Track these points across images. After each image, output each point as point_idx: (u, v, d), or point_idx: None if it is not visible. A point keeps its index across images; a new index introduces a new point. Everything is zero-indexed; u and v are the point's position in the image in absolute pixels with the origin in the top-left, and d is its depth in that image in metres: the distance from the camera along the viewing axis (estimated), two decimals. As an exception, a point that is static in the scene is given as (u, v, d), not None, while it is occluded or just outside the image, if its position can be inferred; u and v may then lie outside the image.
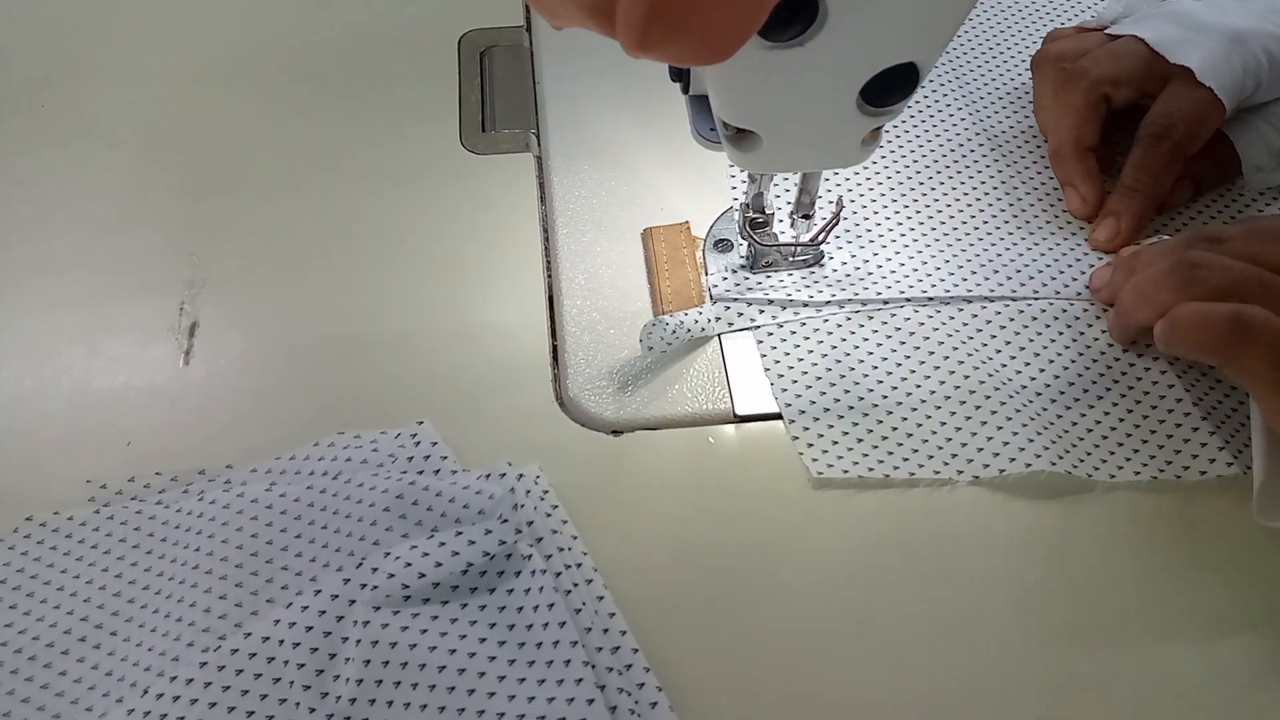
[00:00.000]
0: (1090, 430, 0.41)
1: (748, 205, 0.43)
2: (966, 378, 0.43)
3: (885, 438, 0.41)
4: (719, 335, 0.44)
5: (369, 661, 0.34)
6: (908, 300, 0.45)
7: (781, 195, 0.49)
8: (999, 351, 0.44)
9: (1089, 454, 0.41)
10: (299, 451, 0.40)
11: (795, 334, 0.44)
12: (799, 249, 0.45)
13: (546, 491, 0.38)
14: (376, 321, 0.45)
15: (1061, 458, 0.40)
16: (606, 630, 0.35)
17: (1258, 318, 0.36)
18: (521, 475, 0.38)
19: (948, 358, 0.44)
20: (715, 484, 0.40)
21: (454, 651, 0.34)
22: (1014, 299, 0.45)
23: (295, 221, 0.50)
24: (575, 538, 0.37)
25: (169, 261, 0.48)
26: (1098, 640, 0.36)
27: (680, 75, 0.38)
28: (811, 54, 0.31)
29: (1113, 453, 0.41)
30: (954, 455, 0.41)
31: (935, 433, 0.41)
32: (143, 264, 0.48)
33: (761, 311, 0.45)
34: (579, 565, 0.36)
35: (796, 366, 0.43)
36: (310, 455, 0.40)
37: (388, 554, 0.36)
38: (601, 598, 0.35)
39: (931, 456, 0.41)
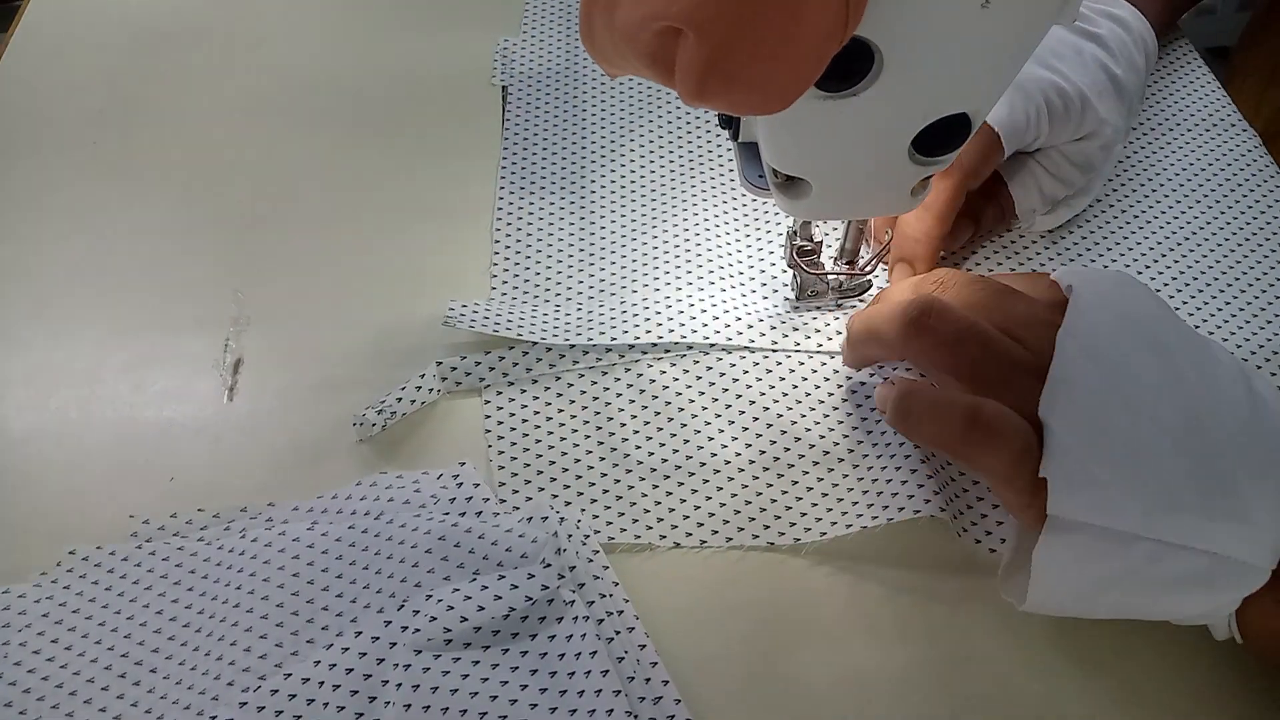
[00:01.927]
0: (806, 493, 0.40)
1: (795, 234, 0.43)
2: (687, 441, 0.42)
3: (658, 503, 0.40)
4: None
5: (409, 705, 0.33)
6: (630, 346, 0.44)
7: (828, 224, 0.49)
8: (709, 409, 0.43)
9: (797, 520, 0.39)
10: (341, 491, 0.40)
11: (540, 395, 0.43)
12: (846, 278, 0.45)
13: (588, 536, 0.38)
14: (420, 361, 0.45)
15: (768, 526, 0.39)
16: (649, 680, 0.34)
17: (994, 415, 0.34)
18: (564, 519, 0.38)
19: (695, 416, 0.42)
20: (757, 531, 0.40)
21: (495, 697, 0.33)
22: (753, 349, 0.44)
23: (340, 259, 0.50)
24: (616, 584, 0.37)
25: (215, 297, 0.48)
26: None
27: (729, 122, 0.39)
28: (865, 105, 0.31)
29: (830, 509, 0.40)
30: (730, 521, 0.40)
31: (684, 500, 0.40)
32: (189, 299, 0.49)
33: (492, 370, 0.44)
34: (620, 613, 0.36)
35: (551, 428, 0.42)
36: (353, 495, 0.40)
37: (429, 596, 0.36)
38: (643, 646, 0.35)
39: (701, 524, 0.39)
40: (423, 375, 0.43)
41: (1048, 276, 0.38)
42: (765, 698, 0.36)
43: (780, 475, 0.41)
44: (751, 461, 0.41)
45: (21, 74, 0.60)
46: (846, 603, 0.38)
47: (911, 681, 0.36)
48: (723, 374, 0.44)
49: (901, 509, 0.38)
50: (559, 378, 0.44)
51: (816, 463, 0.41)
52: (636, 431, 0.42)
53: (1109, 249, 0.49)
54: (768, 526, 0.39)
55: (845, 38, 0.27)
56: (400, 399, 0.43)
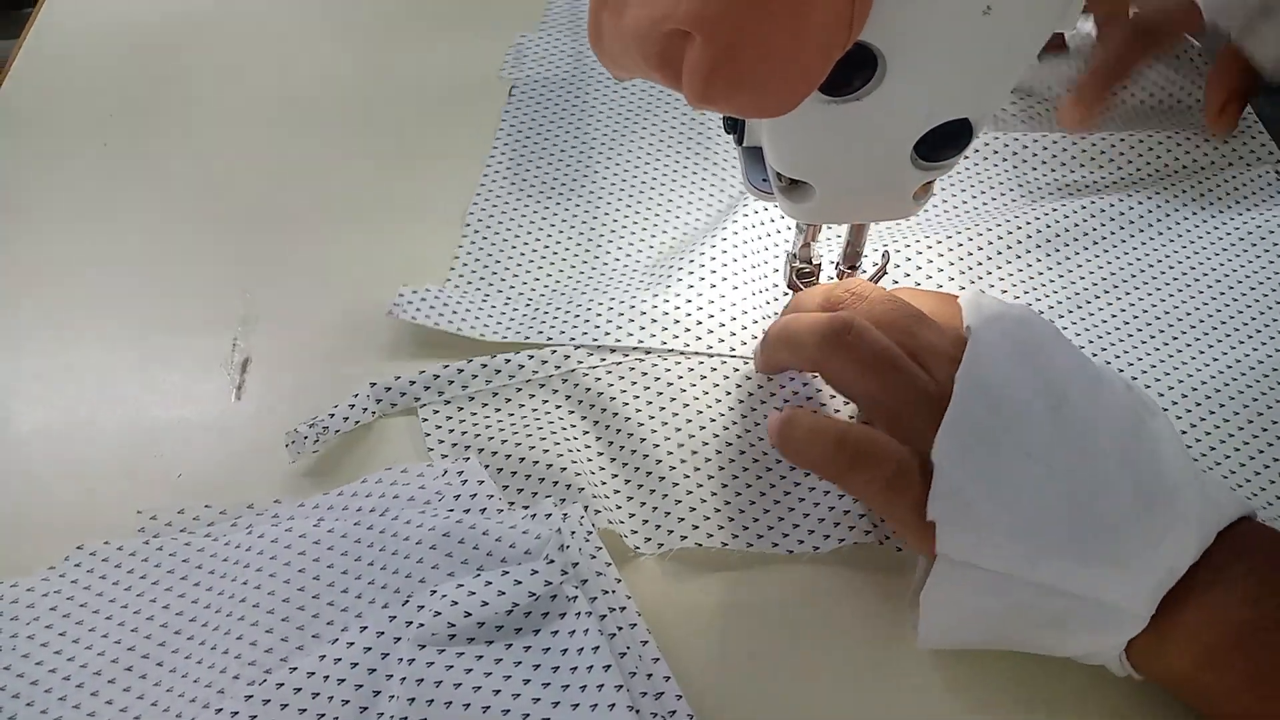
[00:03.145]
0: (753, 502, 0.40)
1: (794, 256, 0.44)
2: (623, 447, 0.42)
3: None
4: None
5: (413, 699, 0.34)
6: (566, 356, 0.44)
7: (830, 242, 0.49)
8: (643, 411, 0.43)
9: (771, 528, 0.39)
10: (347, 488, 0.41)
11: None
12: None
13: (591, 532, 0.38)
14: (424, 360, 0.46)
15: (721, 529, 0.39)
16: (650, 676, 0.35)
17: (862, 443, 0.35)
18: (567, 515, 0.38)
19: (629, 419, 0.42)
20: (759, 532, 0.40)
21: (498, 692, 0.34)
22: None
23: (347, 260, 0.51)
24: (620, 580, 0.37)
25: (224, 297, 0.49)
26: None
27: (734, 127, 0.39)
28: (868, 109, 0.31)
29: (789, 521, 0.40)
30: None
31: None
32: (198, 299, 0.49)
33: (426, 389, 0.44)
34: (623, 609, 0.36)
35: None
36: (358, 492, 0.40)
37: (434, 592, 0.36)
38: (646, 642, 0.35)
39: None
40: (355, 396, 0.43)
41: (956, 300, 0.39)
42: (767, 695, 0.36)
43: (711, 477, 0.41)
44: (688, 462, 0.41)
45: (34, 78, 0.61)
46: (848, 601, 0.38)
47: (914, 680, 0.36)
48: (658, 378, 0.44)
49: (842, 539, 0.39)
50: (495, 394, 0.44)
51: (747, 467, 0.41)
52: (576, 439, 0.42)
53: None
54: (711, 534, 0.39)
55: (849, 43, 0.27)
56: (333, 415, 0.43)
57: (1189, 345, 0.46)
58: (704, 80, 0.27)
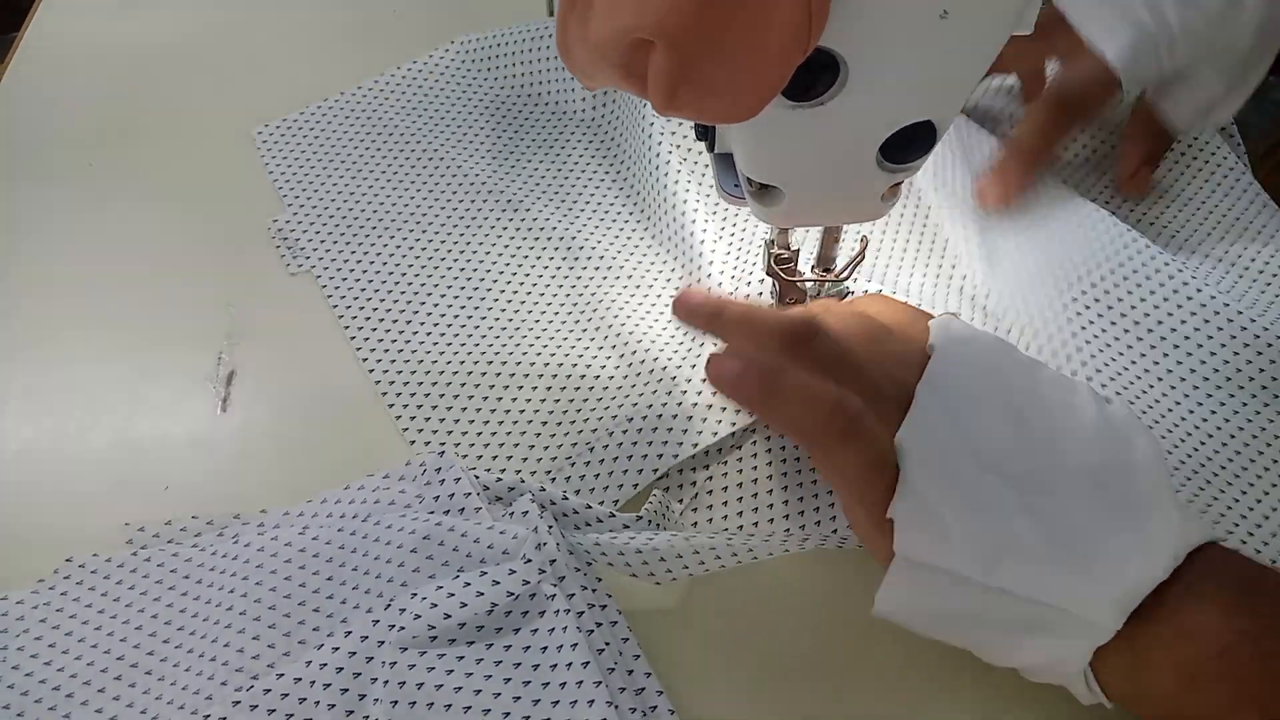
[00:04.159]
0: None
1: (773, 242, 0.44)
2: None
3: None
4: None
5: (396, 702, 0.34)
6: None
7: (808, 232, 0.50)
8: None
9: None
10: (330, 494, 0.41)
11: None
12: (824, 285, 0.46)
13: (572, 528, 0.39)
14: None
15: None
16: (631, 671, 0.35)
17: (859, 412, 0.34)
18: (544, 511, 0.39)
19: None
20: (738, 531, 0.41)
21: (479, 692, 0.34)
22: None
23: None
24: (600, 579, 0.38)
25: (209, 313, 0.49)
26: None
27: (705, 134, 0.40)
28: (832, 113, 0.32)
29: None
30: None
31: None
32: (184, 315, 0.50)
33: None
34: (604, 606, 0.37)
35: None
36: (341, 499, 0.41)
37: (414, 595, 0.36)
38: (626, 639, 0.36)
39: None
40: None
41: (928, 318, 0.39)
42: (748, 690, 0.36)
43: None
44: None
45: (19, 100, 0.62)
46: (831, 596, 0.39)
47: (895, 677, 0.37)
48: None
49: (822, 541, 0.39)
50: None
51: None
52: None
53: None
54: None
55: (809, 48, 0.28)
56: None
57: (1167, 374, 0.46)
58: (668, 88, 0.28)
